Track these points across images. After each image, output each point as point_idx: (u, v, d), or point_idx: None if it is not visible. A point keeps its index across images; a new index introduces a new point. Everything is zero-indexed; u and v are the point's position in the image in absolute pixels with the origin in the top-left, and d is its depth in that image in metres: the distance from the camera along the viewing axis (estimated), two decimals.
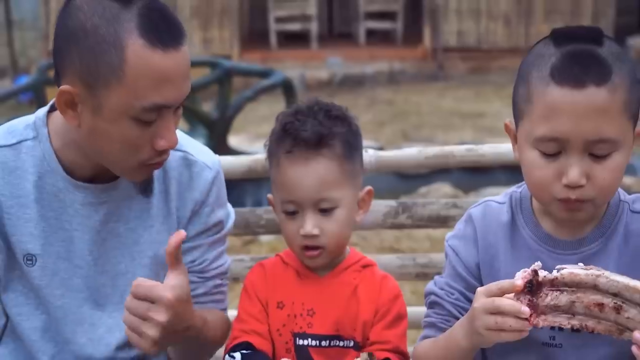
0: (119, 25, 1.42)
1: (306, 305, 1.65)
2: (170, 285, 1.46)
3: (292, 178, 1.61)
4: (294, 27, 13.11)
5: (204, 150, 1.73)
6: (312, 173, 1.60)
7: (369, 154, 2.08)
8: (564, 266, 1.36)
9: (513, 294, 1.35)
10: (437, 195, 5.49)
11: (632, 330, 1.34)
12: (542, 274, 1.35)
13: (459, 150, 2.16)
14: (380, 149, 2.34)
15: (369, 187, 1.71)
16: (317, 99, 1.69)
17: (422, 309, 1.91)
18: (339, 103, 1.72)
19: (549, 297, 1.35)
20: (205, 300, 1.73)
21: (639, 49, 11.35)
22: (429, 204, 2.15)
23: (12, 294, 1.64)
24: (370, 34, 13.17)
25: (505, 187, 1.80)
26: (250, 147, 6.86)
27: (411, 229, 4.88)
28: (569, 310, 1.36)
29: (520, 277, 1.35)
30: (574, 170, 1.37)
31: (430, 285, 1.62)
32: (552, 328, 1.48)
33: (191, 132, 6.28)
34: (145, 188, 1.64)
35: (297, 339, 1.64)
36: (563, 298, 1.35)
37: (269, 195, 1.72)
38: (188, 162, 1.68)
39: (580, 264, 1.37)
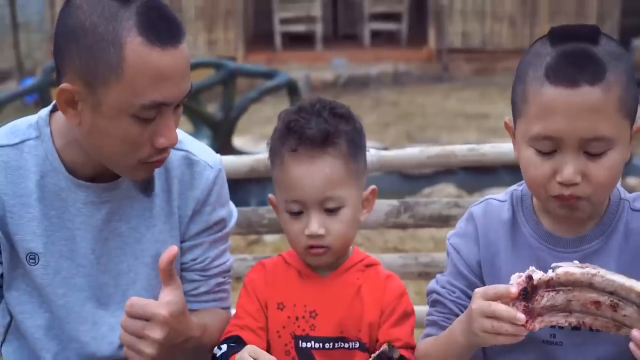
0: (118, 23, 1.43)
1: (308, 307, 1.62)
2: (165, 301, 1.47)
3: (297, 177, 1.58)
4: (299, 28, 13.11)
5: (205, 149, 1.74)
6: (317, 172, 1.57)
7: (371, 154, 2.09)
8: (559, 264, 1.36)
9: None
10: (441, 196, 5.47)
11: (629, 327, 1.34)
12: (537, 276, 1.35)
13: (460, 149, 2.16)
14: (385, 150, 2.35)
15: (372, 187, 1.69)
16: (319, 98, 1.66)
17: (427, 308, 1.92)
18: None
19: (545, 299, 1.35)
20: (207, 299, 1.74)
21: None
22: (431, 204, 2.16)
23: (15, 293, 1.65)
24: (375, 35, 13.16)
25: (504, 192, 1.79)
26: (254, 148, 6.86)
27: (415, 230, 4.92)
28: (565, 308, 1.36)
29: (514, 283, 1.35)
30: (569, 168, 1.38)
31: (432, 284, 1.63)
32: (552, 326, 1.49)
33: (195, 133, 6.30)
34: (146, 187, 1.65)
35: (300, 341, 1.61)
36: (559, 298, 1.35)
37: (271, 196, 1.69)
38: (190, 162, 1.68)
39: (576, 262, 1.37)
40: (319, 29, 13.08)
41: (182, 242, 1.70)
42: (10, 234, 1.60)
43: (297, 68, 11.39)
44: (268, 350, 1.63)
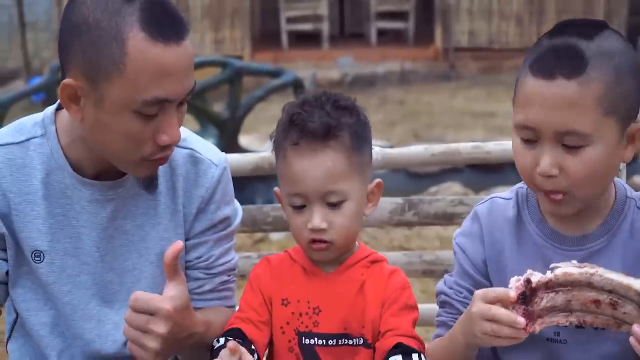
0: (121, 18, 1.43)
1: (312, 303, 1.61)
2: (169, 296, 1.47)
3: (298, 170, 1.56)
4: (306, 27, 13.11)
5: (210, 147, 1.74)
6: (319, 165, 1.55)
7: (376, 152, 2.08)
8: (557, 265, 1.36)
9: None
10: (447, 194, 5.46)
11: (630, 324, 1.34)
12: (536, 278, 1.35)
13: (465, 147, 2.16)
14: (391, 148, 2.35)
15: (378, 180, 1.66)
16: (325, 90, 1.64)
17: (431, 306, 1.92)
18: None
19: (545, 300, 1.35)
20: (211, 297, 1.74)
21: None
22: (435, 201, 2.16)
23: (20, 290, 1.66)
24: (382, 34, 13.15)
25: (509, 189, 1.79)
26: (261, 147, 6.87)
27: (420, 229, 4.92)
28: (565, 308, 1.36)
29: (513, 287, 1.36)
30: (545, 159, 1.40)
31: (440, 285, 1.64)
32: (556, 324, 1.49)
33: (202, 132, 6.31)
34: (149, 185, 1.65)
35: (303, 338, 1.60)
36: (559, 298, 1.35)
37: (276, 189, 1.67)
38: (194, 160, 1.68)
39: (574, 262, 1.37)
40: (325, 27, 13.07)
41: (186, 240, 1.70)
42: (15, 232, 1.61)
43: (303, 67, 11.40)
44: (270, 347, 1.63)
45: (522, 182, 1.60)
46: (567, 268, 1.34)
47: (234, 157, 2.15)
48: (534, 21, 12.44)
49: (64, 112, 1.61)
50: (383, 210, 2.12)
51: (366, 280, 1.62)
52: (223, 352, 1.45)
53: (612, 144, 1.41)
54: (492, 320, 1.36)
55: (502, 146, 2.13)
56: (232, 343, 1.45)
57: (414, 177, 6.28)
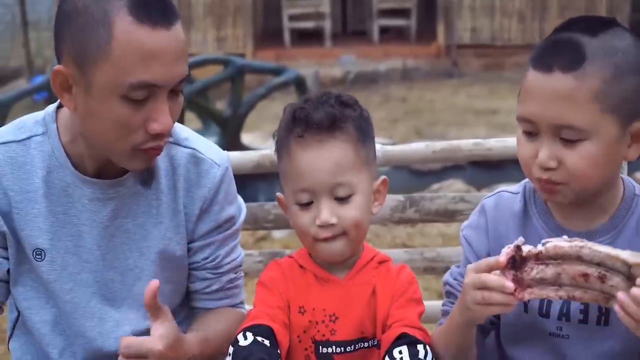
0: (109, 3, 1.44)
1: (327, 311, 1.56)
2: (158, 335, 1.46)
3: (305, 164, 1.52)
4: (308, 25, 13.11)
5: (212, 147, 1.73)
6: (326, 156, 1.51)
7: (377, 149, 2.07)
8: (549, 240, 1.38)
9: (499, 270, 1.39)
10: (449, 191, 5.45)
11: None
12: (526, 248, 1.37)
13: (466, 144, 2.15)
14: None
15: (383, 177, 1.62)
16: (326, 91, 1.62)
17: (433, 303, 1.92)
18: None
19: (535, 271, 1.37)
20: (219, 296, 1.74)
21: None
22: (436, 198, 2.15)
23: (22, 288, 1.66)
24: (384, 31, 13.15)
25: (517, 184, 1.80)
26: (263, 145, 6.86)
27: (423, 226, 4.91)
28: (555, 282, 1.38)
29: (504, 254, 1.38)
30: (543, 152, 1.42)
31: (446, 276, 1.67)
32: (559, 319, 1.50)
33: (204, 130, 6.32)
34: (146, 179, 1.64)
35: (320, 347, 1.56)
36: (549, 271, 1.37)
37: (279, 195, 1.63)
38: (196, 159, 1.68)
39: (565, 237, 1.38)
40: (327, 25, 13.07)
41: (192, 241, 1.70)
42: (16, 230, 1.61)
43: (305, 64, 11.38)
44: (287, 355, 1.57)
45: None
46: (558, 242, 1.37)
47: (236, 155, 2.14)
48: (537, 18, 12.43)
49: (65, 110, 1.61)
50: (384, 207, 2.12)
51: (377, 283, 1.59)
52: None
53: (611, 141, 1.41)
54: (483, 287, 1.38)
55: (504, 143, 2.13)
56: None
57: (416, 175, 6.27)
